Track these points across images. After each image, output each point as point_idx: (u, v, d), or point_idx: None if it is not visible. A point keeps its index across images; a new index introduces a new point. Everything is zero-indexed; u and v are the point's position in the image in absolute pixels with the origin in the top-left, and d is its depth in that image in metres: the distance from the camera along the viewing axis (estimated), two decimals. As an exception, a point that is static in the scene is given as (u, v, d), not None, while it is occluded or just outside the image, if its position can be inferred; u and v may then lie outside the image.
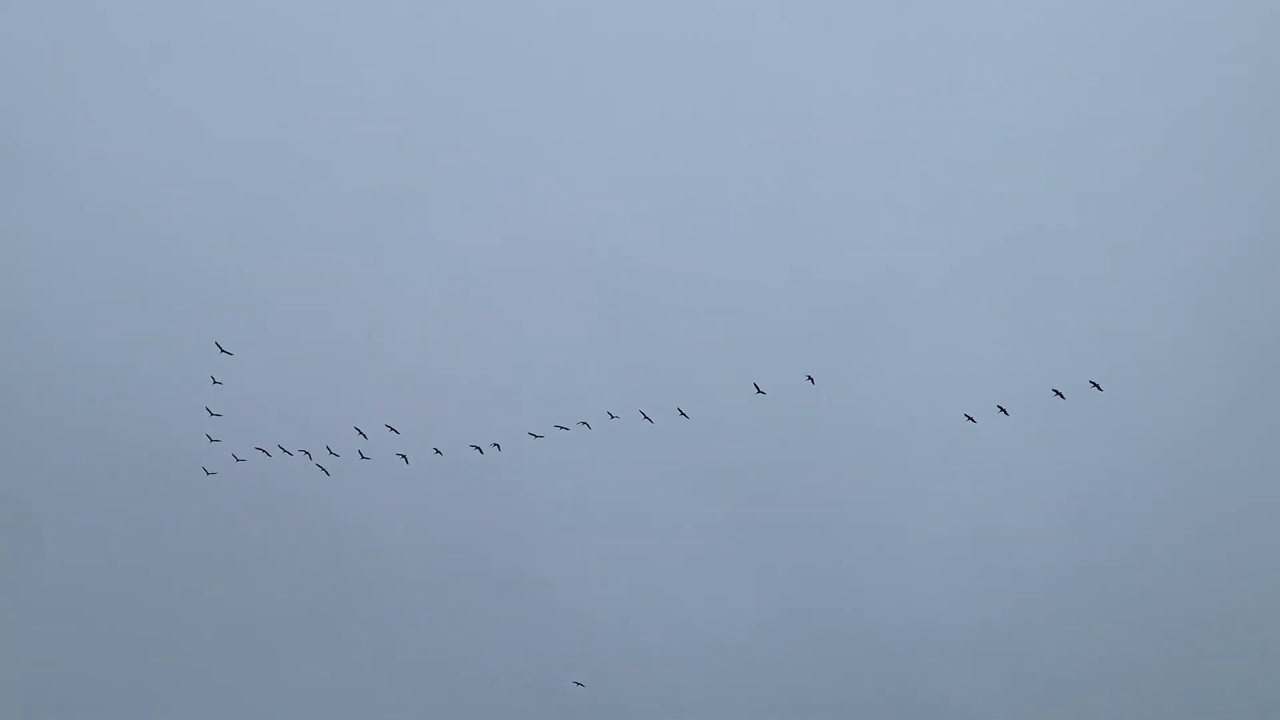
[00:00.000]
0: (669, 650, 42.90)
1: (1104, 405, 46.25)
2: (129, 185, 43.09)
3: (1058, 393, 36.94)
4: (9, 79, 41.73)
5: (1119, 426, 45.31)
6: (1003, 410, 37.19)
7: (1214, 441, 44.73)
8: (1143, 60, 45.54)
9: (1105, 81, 44.10)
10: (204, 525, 40.00)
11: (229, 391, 39.47)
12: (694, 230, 46.11)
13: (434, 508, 41.15)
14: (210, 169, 43.91)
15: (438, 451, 39.23)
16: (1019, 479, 44.89)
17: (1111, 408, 45.85)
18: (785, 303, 46.08)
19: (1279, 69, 43.10)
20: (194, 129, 43.82)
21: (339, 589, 40.89)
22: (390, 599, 41.79)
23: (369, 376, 44.37)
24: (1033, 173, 46.89)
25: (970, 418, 37.38)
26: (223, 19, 44.02)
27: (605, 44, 45.59)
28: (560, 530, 42.75)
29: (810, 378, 39.92)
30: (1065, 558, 44.10)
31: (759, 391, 39.56)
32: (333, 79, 44.62)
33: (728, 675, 43.12)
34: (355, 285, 44.90)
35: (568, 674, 41.98)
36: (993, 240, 46.88)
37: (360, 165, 44.85)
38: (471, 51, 45.21)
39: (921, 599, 43.97)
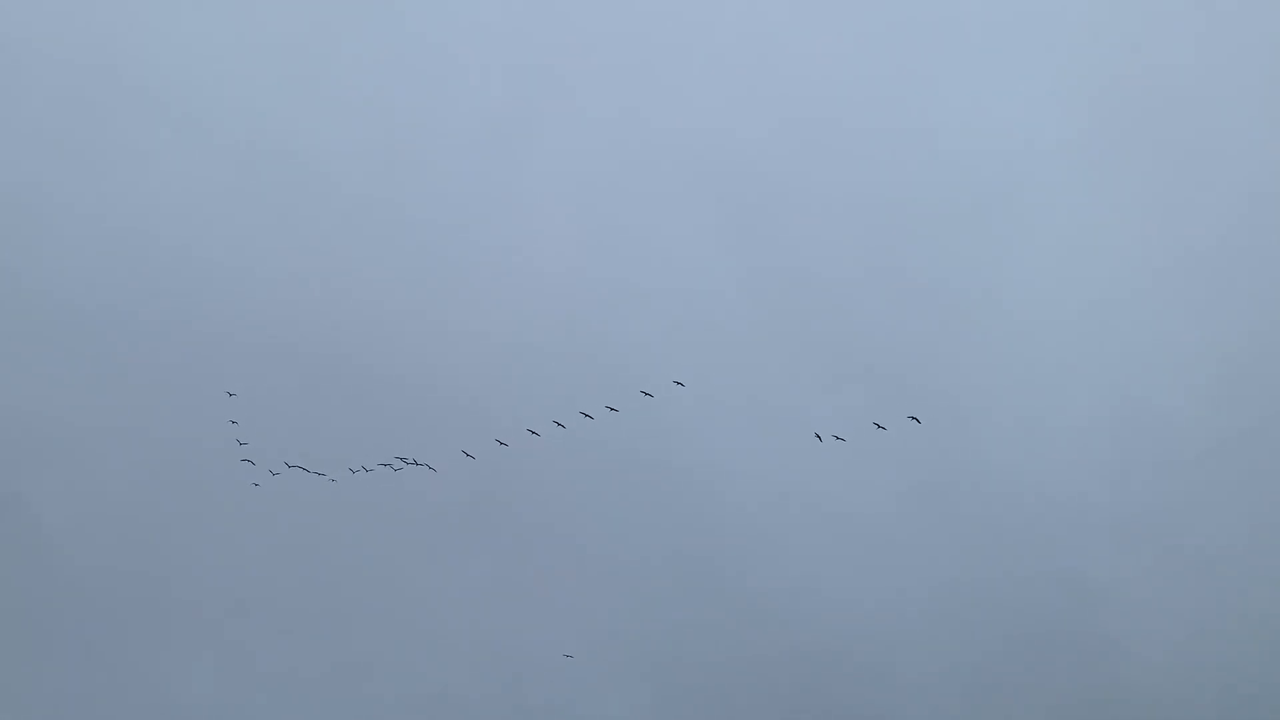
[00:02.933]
0: (806, 534, 44.05)
1: (1252, 278, 44.39)
2: (260, 111, 44.82)
3: (878, 425, 37.34)
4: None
5: (1265, 296, 43.51)
6: (915, 419, 37.87)
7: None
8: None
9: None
10: (371, 436, 42.91)
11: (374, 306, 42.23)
12: (819, 126, 45.65)
13: (577, 406, 43.04)
14: (334, 92, 45.34)
15: (587, 414, 40.03)
16: (1161, 355, 43.79)
17: (1260, 279, 44.03)
18: (916, 193, 45.44)
19: None
20: (319, 57, 45.33)
21: (493, 483, 43.21)
22: (538, 492, 43.98)
23: (502, 291, 45.99)
24: (1164, 51, 44.46)
25: (838, 437, 38.34)
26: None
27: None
28: (697, 422, 44.03)
29: (680, 382, 39.81)
30: (1212, 432, 43.12)
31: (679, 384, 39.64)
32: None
33: (865, 557, 44.04)
34: (483, 203, 46.29)
35: (709, 559, 43.54)
36: (1126, 115, 44.98)
37: (482, 84, 45.73)
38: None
39: (1062, 479, 43.78)
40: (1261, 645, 41.62)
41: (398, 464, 39.34)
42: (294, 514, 40.89)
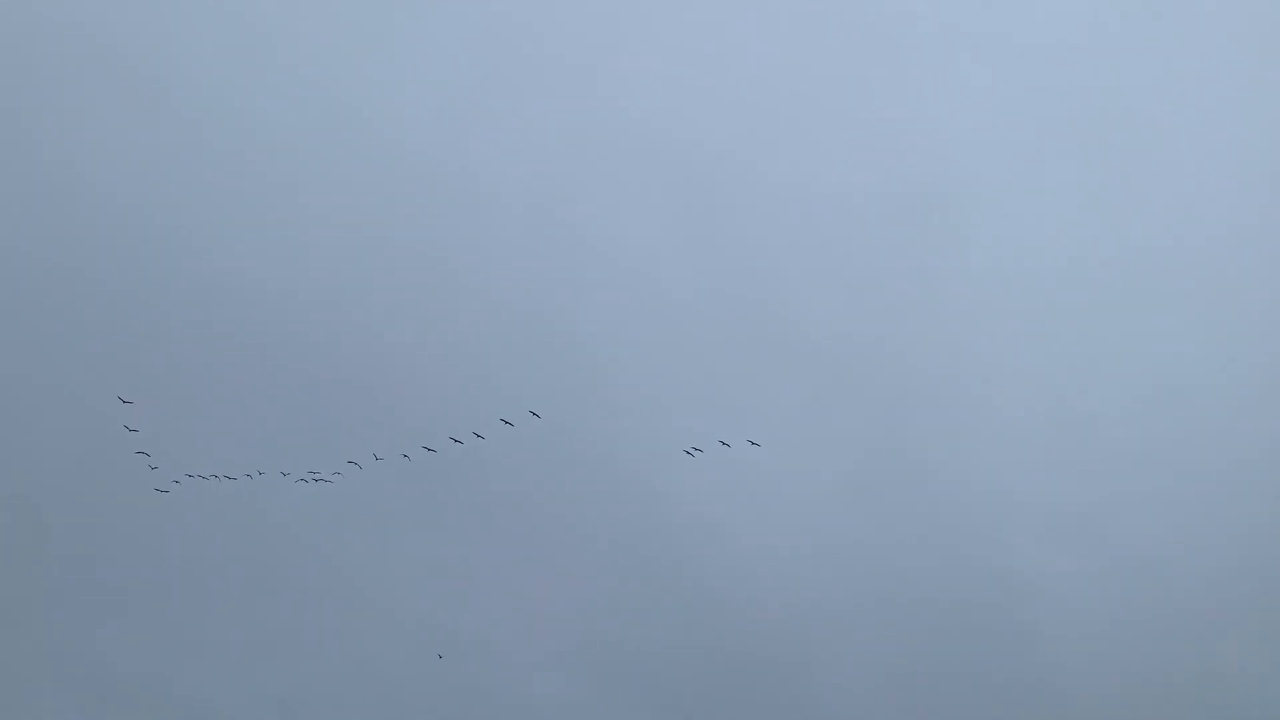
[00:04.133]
0: (745, 525, 44.74)
1: (1185, 285, 45.67)
2: (206, 81, 43.84)
3: (723, 442, 38.65)
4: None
5: (1202, 307, 44.86)
6: (754, 443, 38.97)
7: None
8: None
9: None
10: (306, 415, 42.83)
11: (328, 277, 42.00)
12: (771, 120, 46.18)
13: (517, 389, 43.35)
14: (283, 65, 44.63)
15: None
16: (1093, 359, 45.04)
17: (1194, 286, 45.32)
18: (863, 190, 46.17)
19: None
20: (271, 27, 44.74)
21: (438, 466, 43.32)
22: (481, 477, 44.15)
23: (450, 277, 46.02)
24: (1107, 52, 45.57)
25: (698, 449, 39.48)
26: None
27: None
28: (641, 411, 44.50)
29: (535, 413, 40.12)
30: (1139, 435, 44.40)
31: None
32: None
33: (802, 549, 44.84)
34: (433, 186, 46.16)
35: (649, 547, 44.07)
36: (1067, 123, 46.13)
37: (435, 64, 45.50)
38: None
39: (995, 476, 44.86)
40: (1178, 641, 43.13)
41: (309, 477, 39.02)
42: (226, 487, 40.69)
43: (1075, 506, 44.66)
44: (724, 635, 43.84)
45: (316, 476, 39.11)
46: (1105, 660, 44.81)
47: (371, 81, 43.71)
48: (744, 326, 45.31)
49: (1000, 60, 45.30)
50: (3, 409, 42.09)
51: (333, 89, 44.01)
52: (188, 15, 44.18)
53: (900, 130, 45.80)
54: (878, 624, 45.14)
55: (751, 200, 46.06)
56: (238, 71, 44.14)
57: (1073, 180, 44.85)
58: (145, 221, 41.58)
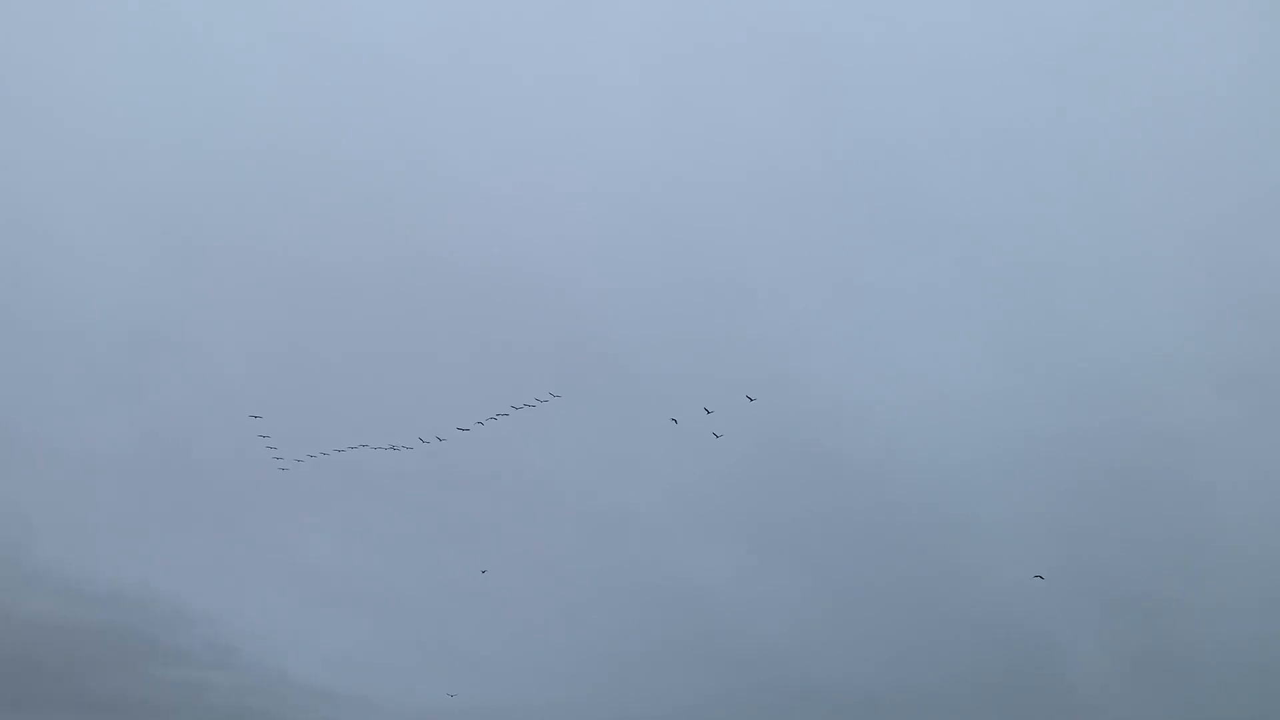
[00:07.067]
0: (893, 393, 44.08)
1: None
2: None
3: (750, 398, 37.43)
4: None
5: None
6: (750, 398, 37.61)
7: None
8: None
9: None
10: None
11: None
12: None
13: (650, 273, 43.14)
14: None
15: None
16: (1258, 198, 41.32)
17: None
18: (996, 46, 42.87)
19: None
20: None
21: (592, 362, 43.77)
22: (635, 365, 44.41)
23: (567, 149, 45.57)
24: None
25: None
26: None
27: None
28: (782, 292, 43.95)
29: (750, 397, 37.89)
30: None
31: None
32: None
33: (951, 413, 43.96)
34: (554, 73, 45.29)
35: (797, 420, 43.57)
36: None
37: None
38: None
39: (1156, 331, 42.49)
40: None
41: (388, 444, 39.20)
42: (404, 395, 42.39)
43: (1242, 355, 42.00)
44: (877, 503, 43.89)
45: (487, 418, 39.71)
46: (1273, 509, 42.55)
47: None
48: (880, 198, 43.59)
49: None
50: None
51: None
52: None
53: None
54: (1035, 484, 44.14)
55: (878, 72, 43.64)
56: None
57: (1230, 21, 40.10)
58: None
